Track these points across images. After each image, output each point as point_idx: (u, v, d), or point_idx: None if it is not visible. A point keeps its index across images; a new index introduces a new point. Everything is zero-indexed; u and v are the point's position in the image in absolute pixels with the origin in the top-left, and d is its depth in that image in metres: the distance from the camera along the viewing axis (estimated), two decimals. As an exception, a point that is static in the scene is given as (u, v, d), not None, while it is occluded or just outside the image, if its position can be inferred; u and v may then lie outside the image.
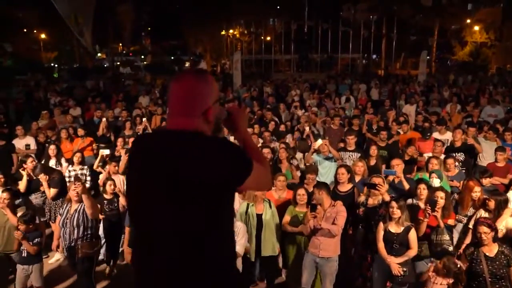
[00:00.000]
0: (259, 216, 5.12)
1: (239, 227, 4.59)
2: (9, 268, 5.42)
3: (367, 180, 5.45)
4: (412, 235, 4.48)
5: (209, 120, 1.74)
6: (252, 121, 10.23)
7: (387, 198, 4.91)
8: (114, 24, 39.12)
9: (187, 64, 45.50)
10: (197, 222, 1.61)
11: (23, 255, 4.93)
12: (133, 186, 1.76)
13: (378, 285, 4.69)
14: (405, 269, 4.41)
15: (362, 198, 5.28)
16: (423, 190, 5.15)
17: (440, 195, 4.74)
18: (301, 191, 5.12)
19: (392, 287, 4.53)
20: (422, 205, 5.00)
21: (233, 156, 1.65)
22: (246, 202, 5.20)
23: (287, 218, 5.15)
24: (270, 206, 5.19)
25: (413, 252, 4.49)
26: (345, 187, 5.67)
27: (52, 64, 39.51)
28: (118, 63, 41.23)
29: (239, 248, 4.51)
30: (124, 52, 49.07)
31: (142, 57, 48.49)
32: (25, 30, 37.48)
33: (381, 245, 4.56)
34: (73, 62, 40.20)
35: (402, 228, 4.50)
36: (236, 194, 5.35)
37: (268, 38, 38.04)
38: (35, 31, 38.74)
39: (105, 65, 39.48)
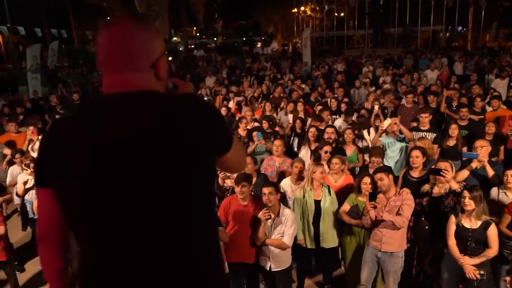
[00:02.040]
0: (317, 203, 4.62)
1: (287, 215, 4.15)
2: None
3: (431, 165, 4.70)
4: (492, 232, 3.71)
5: (160, 76, 1.36)
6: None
7: (454, 186, 4.14)
8: (188, 7, 39.89)
9: (258, 45, 45.36)
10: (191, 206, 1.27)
11: None
12: (81, 196, 1.24)
13: (449, 288, 4.00)
14: (482, 272, 3.66)
15: (427, 187, 4.53)
16: (511, 178, 4.30)
17: None
18: (367, 179, 4.48)
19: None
20: (510, 195, 4.17)
21: (216, 116, 1.36)
22: (302, 188, 4.71)
23: (346, 206, 4.59)
24: (330, 193, 4.67)
25: (492, 252, 3.71)
26: (418, 173, 4.94)
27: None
28: (192, 46, 42.18)
29: (287, 238, 4.08)
30: (197, 35, 50.09)
31: (215, 39, 49.15)
32: (108, 18, 39.68)
33: (452, 241, 3.84)
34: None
35: (479, 223, 3.74)
36: (289, 180, 5.01)
37: (342, 15, 36.34)
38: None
39: (180, 48, 40.59)
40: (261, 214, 4.02)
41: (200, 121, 1.27)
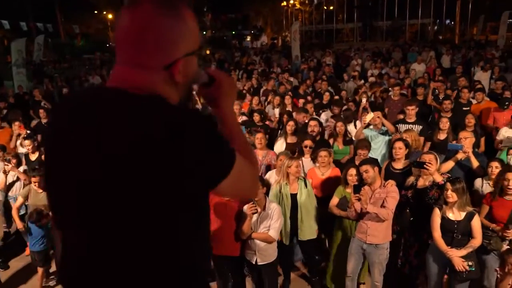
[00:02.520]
0: (293, 196, 4.62)
1: (273, 208, 4.13)
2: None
3: (415, 156, 4.72)
4: (476, 222, 3.74)
5: (176, 79, 1.09)
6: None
7: (438, 178, 4.17)
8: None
9: (248, 39, 45.15)
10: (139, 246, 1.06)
11: None
12: (49, 178, 1.18)
13: (433, 279, 4.01)
14: (470, 263, 3.67)
15: (412, 179, 4.55)
16: (495, 169, 4.34)
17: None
18: (352, 171, 4.50)
19: (450, 281, 3.84)
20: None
21: (205, 140, 1.03)
22: (278, 182, 4.70)
23: (335, 199, 4.59)
24: (306, 185, 4.65)
25: (477, 242, 3.74)
26: (401, 164, 4.96)
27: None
28: (181, 39, 41.79)
29: (273, 232, 4.06)
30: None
31: (204, 32, 48.79)
32: (95, 12, 39.13)
33: (437, 234, 3.85)
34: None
35: (464, 215, 3.76)
36: (273, 172, 4.98)
37: (331, 8, 36.31)
38: (104, 12, 40.33)
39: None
40: (247, 208, 3.99)
41: (174, 147, 0.99)
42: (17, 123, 7.26)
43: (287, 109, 7.92)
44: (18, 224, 5.27)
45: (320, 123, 6.17)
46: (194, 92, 1.38)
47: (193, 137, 1.01)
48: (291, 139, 6.01)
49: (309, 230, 4.65)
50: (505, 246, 3.87)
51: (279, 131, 7.09)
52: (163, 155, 0.99)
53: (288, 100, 8.37)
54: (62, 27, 36.68)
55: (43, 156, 4.25)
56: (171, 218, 1.06)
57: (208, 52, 25.94)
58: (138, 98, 1.04)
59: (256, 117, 7.05)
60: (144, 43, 1.05)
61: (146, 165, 0.99)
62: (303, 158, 5.31)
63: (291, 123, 6.14)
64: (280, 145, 6.07)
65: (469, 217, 3.75)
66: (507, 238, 3.89)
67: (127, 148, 0.99)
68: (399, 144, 4.97)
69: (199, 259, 1.20)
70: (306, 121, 6.46)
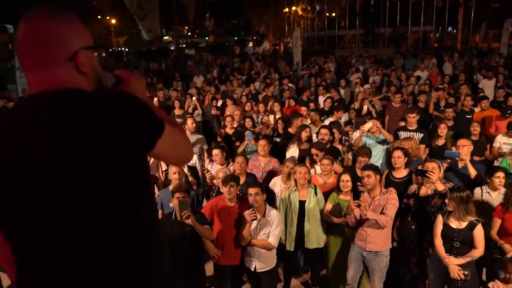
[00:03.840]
0: (301, 203, 4.61)
1: (273, 215, 4.12)
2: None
3: (416, 165, 4.70)
4: (478, 233, 3.70)
5: (82, 69, 1.25)
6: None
7: (440, 187, 4.16)
8: (179, 7, 39.71)
9: (250, 44, 45.27)
10: (109, 217, 1.17)
11: None
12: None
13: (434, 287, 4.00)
14: (466, 272, 3.66)
15: (414, 187, 4.54)
16: (502, 179, 4.32)
17: None
18: (345, 177, 4.51)
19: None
20: (494, 195, 4.19)
21: (140, 109, 1.21)
22: (288, 188, 4.71)
23: (328, 206, 4.59)
24: (316, 194, 4.65)
25: (478, 252, 3.71)
26: (401, 173, 4.95)
27: (122, 48, 41.18)
28: (184, 45, 41.97)
29: (273, 239, 4.06)
30: (189, 34, 49.86)
31: (207, 38, 48.96)
32: (99, 17, 39.31)
33: (438, 241, 3.84)
34: (141, 46, 41.58)
35: (465, 223, 3.75)
36: (279, 178, 4.98)
37: (333, 14, 36.42)
38: (107, 18, 40.51)
39: (171, 48, 40.38)
40: (247, 215, 3.99)
41: (111, 122, 1.14)
42: None
43: (277, 115, 7.95)
44: None
45: (331, 131, 6.16)
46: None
47: (120, 110, 1.16)
48: (305, 146, 5.98)
49: (316, 238, 4.64)
50: None
51: (273, 138, 7.07)
52: (112, 133, 1.13)
53: (277, 107, 8.35)
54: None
55: None
56: (131, 188, 1.22)
57: (209, 59, 26.06)
58: (62, 93, 1.17)
59: (248, 123, 7.07)
60: (45, 44, 1.19)
61: (89, 151, 1.11)
62: (315, 166, 5.30)
63: (306, 130, 6.11)
64: (293, 152, 6.05)
65: (471, 226, 3.72)
66: None
67: (60, 142, 1.11)
68: (398, 153, 4.96)
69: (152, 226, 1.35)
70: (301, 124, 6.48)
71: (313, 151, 5.33)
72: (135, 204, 1.24)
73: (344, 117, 7.91)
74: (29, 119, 1.14)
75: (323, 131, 6.04)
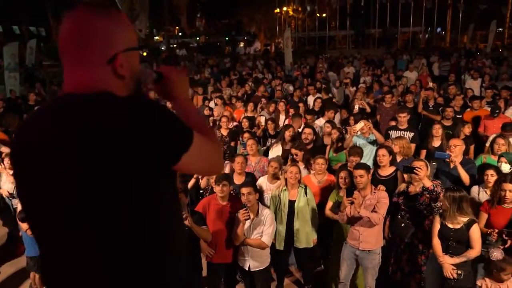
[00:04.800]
0: (291, 203, 4.65)
1: (266, 214, 4.15)
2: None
3: (405, 164, 4.76)
4: (475, 233, 3.72)
5: (120, 72, 1.19)
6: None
7: (427, 184, 4.19)
8: (170, 7, 39.56)
9: (241, 45, 45.26)
10: (120, 226, 1.13)
11: None
12: (26, 201, 1.24)
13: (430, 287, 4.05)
14: (459, 272, 3.70)
15: (403, 186, 4.59)
16: (491, 177, 4.36)
17: (510, 187, 3.91)
18: (344, 173, 4.57)
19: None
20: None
21: (160, 121, 1.13)
22: (278, 187, 4.74)
23: (329, 204, 4.65)
24: (306, 193, 4.68)
25: (474, 252, 3.73)
26: (386, 171, 5.00)
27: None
28: (175, 45, 41.83)
29: (266, 238, 4.09)
30: (180, 34, 49.69)
31: (198, 38, 48.82)
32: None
33: (436, 241, 3.86)
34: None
35: (462, 223, 3.76)
36: (265, 178, 5.01)
37: (324, 15, 36.61)
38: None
39: (162, 48, 40.22)
40: (240, 215, 4.01)
41: (129, 130, 1.08)
42: None
43: (269, 116, 7.98)
44: (23, 226, 5.24)
45: (315, 131, 6.18)
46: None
47: (145, 121, 1.10)
48: (289, 146, 6.01)
49: (305, 238, 4.66)
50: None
51: (267, 137, 7.11)
52: (121, 145, 1.07)
53: (281, 107, 8.41)
54: (55, 31, 36.51)
55: None
56: (147, 199, 1.16)
57: (200, 59, 26.02)
58: (85, 98, 1.13)
59: (245, 124, 7.10)
60: (84, 41, 1.15)
61: (108, 158, 1.07)
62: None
63: (290, 129, 6.15)
64: (276, 151, 6.08)
65: (468, 226, 3.73)
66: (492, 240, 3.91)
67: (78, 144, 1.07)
68: (382, 152, 5.01)
69: (178, 241, 1.31)
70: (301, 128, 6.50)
71: (293, 151, 5.37)
72: (143, 217, 1.16)
73: (337, 117, 7.97)
74: (44, 121, 1.16)
75: (307, 130, 6.08)
